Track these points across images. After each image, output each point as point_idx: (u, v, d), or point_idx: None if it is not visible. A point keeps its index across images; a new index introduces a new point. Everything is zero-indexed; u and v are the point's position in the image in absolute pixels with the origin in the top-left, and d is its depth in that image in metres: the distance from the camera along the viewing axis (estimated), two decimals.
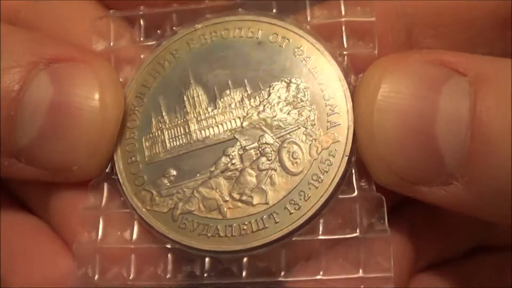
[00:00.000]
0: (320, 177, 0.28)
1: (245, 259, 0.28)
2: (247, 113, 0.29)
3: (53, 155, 0.28)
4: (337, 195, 0.28)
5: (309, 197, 0.27)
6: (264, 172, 0.28)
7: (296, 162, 0.28)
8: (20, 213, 0.32)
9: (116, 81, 0.30)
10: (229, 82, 0.29)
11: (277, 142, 0.28)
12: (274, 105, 0.29)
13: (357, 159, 0.28)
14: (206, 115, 0.29)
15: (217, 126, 0.29)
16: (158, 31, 0.31)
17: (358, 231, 0.27)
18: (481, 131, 0.25)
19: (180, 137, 0.29)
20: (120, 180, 0.29)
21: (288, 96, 0.29)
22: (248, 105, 0.29)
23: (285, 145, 0.28)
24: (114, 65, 0.31)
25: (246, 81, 0.29)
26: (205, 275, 0.28)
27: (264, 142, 0.28)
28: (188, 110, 0.29)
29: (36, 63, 0.28)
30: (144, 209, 0.29)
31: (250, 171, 0.28)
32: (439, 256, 0.33)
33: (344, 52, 0.29)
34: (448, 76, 0.26)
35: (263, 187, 0.28)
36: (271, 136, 0.28)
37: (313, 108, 0.28)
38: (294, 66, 0.29)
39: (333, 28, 0.30)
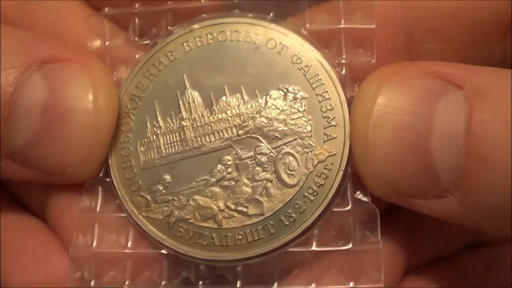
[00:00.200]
0: (315, 190, 0.28)
1: (239, 267, 0.29)
2: (243, 122, 0.29)
3: (47, 157, 0.28)
4: (332, 208, 0.28)
5: (304, 210, 0.28)
6: (260, 183, 0.28)
7: (292, 174, 0.28)
8: (20, 213, 0.32)
9: (110, 82, 0.29)
10: (225, 88, 0.29)
11: (273, 153, 0.28)
12: (270, 114, 0.28)
13: (353, 172, 0.28)
14: (202, 121, 0.29)
15: (213, 134, 0.29)
16: (153, 29, 0.31)
17: (351, 243, 0.28)
18: (476, 146, 0.25)
19: (175, 143, 0.29)
20: (115, 185, 0.29)
21: (285, 105, 0.28)
22: (245, 113, 0.29)
23: (280, 157, 0.28)
24: (108, 65, 0.30)
25: (242, 87, 0.29)
26: (200, 281, 0.29)
27: (260, 152, 0.28)
28: (184, 116, 0.29)
29: (29, 64, 0.28)
30: (139, 215, 0.29)
31: (245, 181, 0.28)
32: (434, 253, 0.34)
33: (343, 61, 0.29)
34: (445, 89, 0.26)
35: (259, 198, 0.28)
36: (267, 147, 0.28)
37: (310, 119, 0.28)
38: (292, 74, 0.29)
39: (332, 35, 0.29)
